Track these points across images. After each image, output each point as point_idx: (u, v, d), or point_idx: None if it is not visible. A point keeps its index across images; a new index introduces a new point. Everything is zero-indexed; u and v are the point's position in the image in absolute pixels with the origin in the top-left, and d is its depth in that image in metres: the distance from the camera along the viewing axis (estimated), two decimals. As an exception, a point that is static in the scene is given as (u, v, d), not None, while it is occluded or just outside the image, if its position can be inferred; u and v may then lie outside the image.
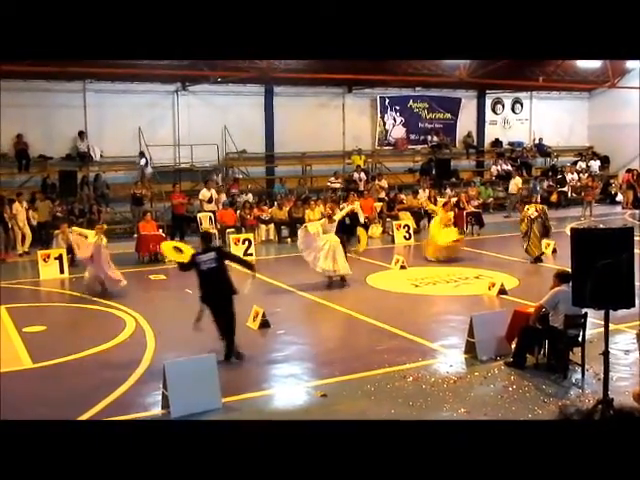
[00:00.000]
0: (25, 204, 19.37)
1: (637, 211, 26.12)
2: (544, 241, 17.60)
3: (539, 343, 9.64)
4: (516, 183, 26.62)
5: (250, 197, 22.81)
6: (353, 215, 17.51)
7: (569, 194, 28.62)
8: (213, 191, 21.99)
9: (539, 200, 19.60)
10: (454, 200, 22.77)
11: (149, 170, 22.87)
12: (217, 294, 9.95)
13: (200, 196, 21.92)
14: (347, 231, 16.53)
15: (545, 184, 28.24)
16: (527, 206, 17.77)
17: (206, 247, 10.38)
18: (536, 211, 17.22)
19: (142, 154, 22.80)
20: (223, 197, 22.43)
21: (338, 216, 15.13)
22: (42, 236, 19.36)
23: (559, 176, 29.25)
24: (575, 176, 29.15)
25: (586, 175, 29.19)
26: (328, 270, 14.38)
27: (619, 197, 28.98)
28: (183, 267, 10.44)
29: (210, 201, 21.78)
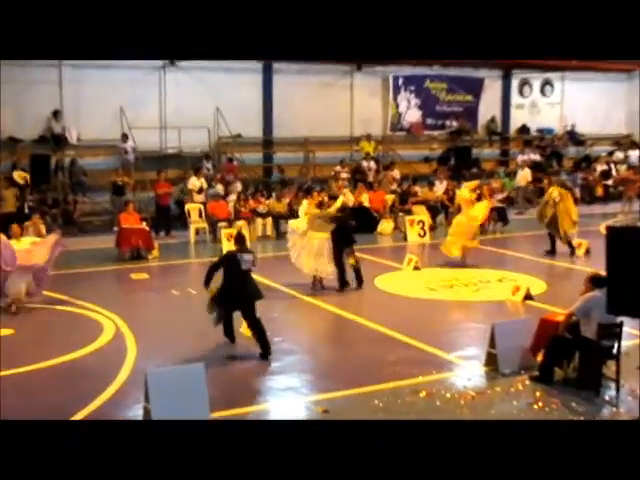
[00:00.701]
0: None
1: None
2: (576, 240, 17.64)
3: (569, 355, 9.64)
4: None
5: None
6: (361, 209, 17.34)
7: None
8: (203, 180, 22.01)
9: (578, 195, 19.50)
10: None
11: (131, 156, 22.86)
12: (245, 295, 10.77)
13: (189, 185, 21.94)
14: (359, 229, 15.99)
15: (579, 176, 28.14)
16: (551, 188, 17.86)
17: (241, 248, 10.96)
18: (559, 195, 17.30)
19: (125, 136, 22.78)
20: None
21: (328, 211, 14.71)
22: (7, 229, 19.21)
23: (603, 167, 29.05)
24: (613, 167, 29.08)
25: (625, 167, 29.11)
26: (310, 269, 14.41)
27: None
28: (214, 267, 10.99)
29: (200, 191, 21.80)
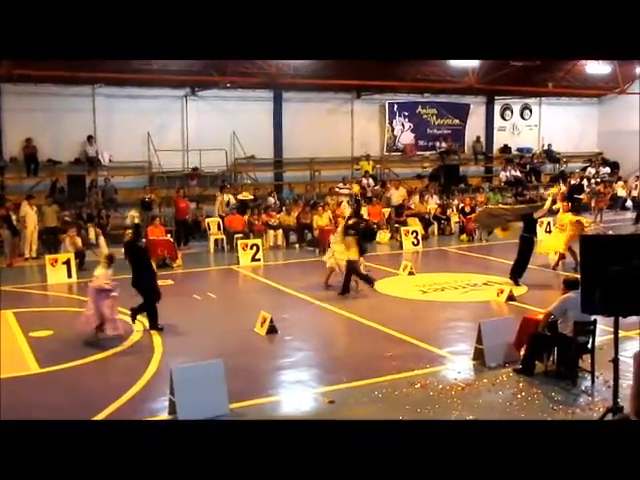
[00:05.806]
0: (35, 207, 19.31)
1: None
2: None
3: (548, 350, 9.60)
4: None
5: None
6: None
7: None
8: (231, 196, 22.10)
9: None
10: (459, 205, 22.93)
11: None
12: None
13: (217, 200, 22.02)
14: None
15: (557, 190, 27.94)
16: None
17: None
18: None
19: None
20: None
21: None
22: (50, 241, 19.27)
23: (576, 181, 28.85)
24: (585, 182, 29.00)
25: (598, 181, 29.07)
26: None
27: (628, 203, 28.77)
28: None
29: (228, 205, 21.83)
